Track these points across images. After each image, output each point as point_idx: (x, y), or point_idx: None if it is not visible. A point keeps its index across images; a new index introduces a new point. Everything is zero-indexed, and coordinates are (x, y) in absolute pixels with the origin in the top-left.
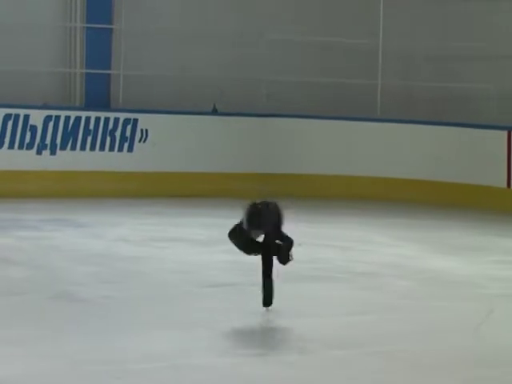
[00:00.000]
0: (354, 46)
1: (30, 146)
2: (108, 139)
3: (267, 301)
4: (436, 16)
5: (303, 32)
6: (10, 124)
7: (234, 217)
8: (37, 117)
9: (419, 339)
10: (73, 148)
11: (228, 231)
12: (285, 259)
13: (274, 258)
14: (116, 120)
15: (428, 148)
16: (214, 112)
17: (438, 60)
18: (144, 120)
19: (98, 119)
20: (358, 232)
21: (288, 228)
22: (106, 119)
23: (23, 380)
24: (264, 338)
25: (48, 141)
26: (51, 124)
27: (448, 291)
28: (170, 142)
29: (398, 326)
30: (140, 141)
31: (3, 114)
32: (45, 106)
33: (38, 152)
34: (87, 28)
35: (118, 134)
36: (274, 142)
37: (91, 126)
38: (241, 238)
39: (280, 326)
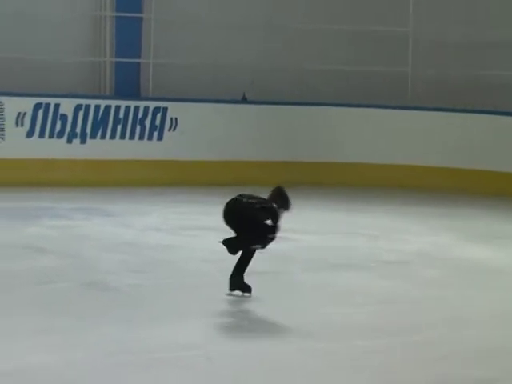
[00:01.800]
0: (384, 33)
1: (60, 135)
2: (138, 128)
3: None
4: (467, 2)
5: (333, 20)
6: (40, 113)
7: None
8: (67, 106)
9: (447, 328)
10: (103, 137)
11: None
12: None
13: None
14: (146, 109)
15: (460, 136)
16: (244, 100)
17: (470, 47)
18: (174, 109)
19: (127, 108)
20: (389, 221)
21: (319, 216)
22: (136, 108)
23: (55, 369)
24: (292, 326)
25: (78, 130)
26: (81, 113)
27: (478, 280)
28: (199, 131)
29: (426, 315)
30: (170, 129)
31: (34, 103)
32: (75, 95)
33: (69, 141)
34: (117, 17)
35: (147, 122)
36: (304, 131)
37: (121, 115)
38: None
39: (308, 314)
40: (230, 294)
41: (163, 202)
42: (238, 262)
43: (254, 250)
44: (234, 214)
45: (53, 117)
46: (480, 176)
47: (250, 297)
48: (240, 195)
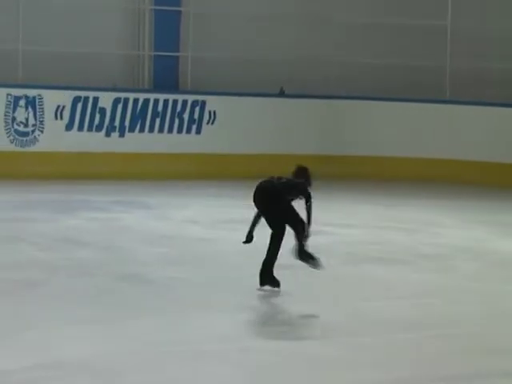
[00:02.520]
0: (422, 27)
1: (99, 129)
2: (176, 121)
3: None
4: None
5: (371, 13)
6: (79, 106)
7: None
8: (106, 99)
9: (486, 322)
10: (141, 130)
11: None
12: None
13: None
14: (184, 102)
15: (498, 130)
16: (282, 94)
17: (507, 40)
18: (212, 102)
19: (166, 101)
20: (426, 214)
21: (356, 210)
22: (175, 101)
23: (93, 360)
24: (329, 319)
25: (117, 123)
26: (120, 106)
27: None
28: (238, 124)
29: (466, 308)
30: (208, 123)
31: (73, 97)
32: (114, 89)
33: (107, 134)
34: (156, 10)
35: (186, 116)
36: (341, 124)
37: (160, 109)
38: None
39: (345, 308)
40: (260, 289)
41: (201, 195)
42: (266, 256)
43: (280, 244)
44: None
45: (91, 110)
46: None
47: (279, 291)
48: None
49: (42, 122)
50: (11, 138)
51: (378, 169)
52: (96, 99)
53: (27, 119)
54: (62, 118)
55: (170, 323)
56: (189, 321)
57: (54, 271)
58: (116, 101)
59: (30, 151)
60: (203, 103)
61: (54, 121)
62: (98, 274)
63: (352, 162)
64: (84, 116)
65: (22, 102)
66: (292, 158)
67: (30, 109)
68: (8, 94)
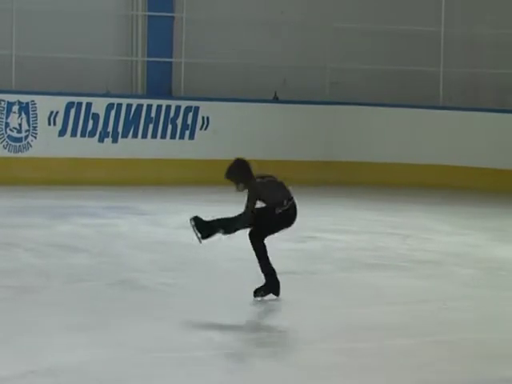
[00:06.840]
0: (416, 33)
1: (92, 134)
2: (169, 127)
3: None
4: (499, 2)
5: (365, 20)
6: (72, 112)
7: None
8: (99, 105)
9: (483, 328)
10: (134, 136)
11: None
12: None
13: None
14: (177, 108)
15: (492, 136)
16: (275, 100)
17: (501, 47)
18: (205, 108)
19: (159, 107)
20: (421, 220)
21: (350, 216)
22: (168, 107)
23: (87, 367)
24: (324, 326)
25: (110, 129)
26: (113, 112)
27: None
28: (231, 130)
29: (461, 314)
30: (201, 128)
31: (66, 102)
32: (107, 94)
33: (100, 140)
34: (149, 16)
35: (179, 121)
36: (336, 130)
37: (153, 114)
38: None
39: (342, 314)
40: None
41: (195, 201)
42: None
43: (262, 255)
44: None
45: (85, 116)
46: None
47: (276, 298)
48: None
49: (35, 128)
50: (4, 143)
51: (372, 174)
52: (89, 105)
53: (20, 125)
54: (55, 123)
55: (163, 329)
56: (181, 327)
57: (47, 277)
58: (109, 106)
59: (23, 157)
60: (196, 109)
61: (47, 127)
62: (91, 280)
63: (347, 168)
64: (77, 122)
65: (16, 108)
66: (286, 164)
67: (23, 115)
68: (1, 100)
